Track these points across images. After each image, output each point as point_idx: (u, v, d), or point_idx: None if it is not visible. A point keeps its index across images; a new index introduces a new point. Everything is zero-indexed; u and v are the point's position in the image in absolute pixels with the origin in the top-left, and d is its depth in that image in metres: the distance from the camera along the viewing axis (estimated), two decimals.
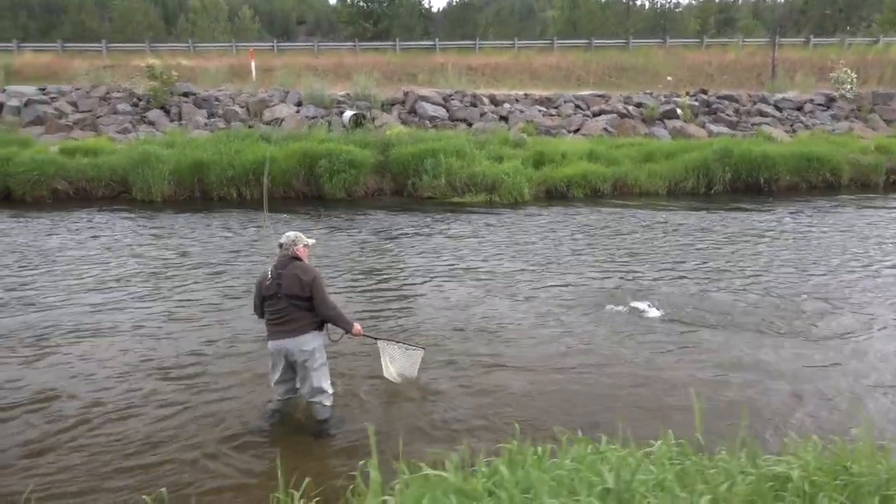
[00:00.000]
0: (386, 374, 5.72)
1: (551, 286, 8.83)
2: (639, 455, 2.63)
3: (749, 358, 6.52)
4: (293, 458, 4.70)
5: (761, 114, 22.43)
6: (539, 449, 2.74)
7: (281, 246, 5.23)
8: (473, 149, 16.23)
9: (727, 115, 22.17)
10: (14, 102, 20.91)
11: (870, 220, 13.11)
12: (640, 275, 9.37)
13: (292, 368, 5.20)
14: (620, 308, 7.89)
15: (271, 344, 5.14)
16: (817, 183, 16.84)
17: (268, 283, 5.08)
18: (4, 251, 10.79)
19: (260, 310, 5.26)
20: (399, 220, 13.21)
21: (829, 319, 7.62)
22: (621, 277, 9.27)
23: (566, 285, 8.88)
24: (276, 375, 5.22)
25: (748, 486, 2.13)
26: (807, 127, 21.68)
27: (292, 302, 5.02)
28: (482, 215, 13.59)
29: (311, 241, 5.40)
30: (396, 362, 5.75)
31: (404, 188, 15.86)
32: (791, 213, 13.87)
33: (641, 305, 7.88)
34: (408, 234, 12.10)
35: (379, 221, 13.20)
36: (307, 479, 3.00)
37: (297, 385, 5.28)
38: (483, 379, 6.07)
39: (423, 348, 5.96)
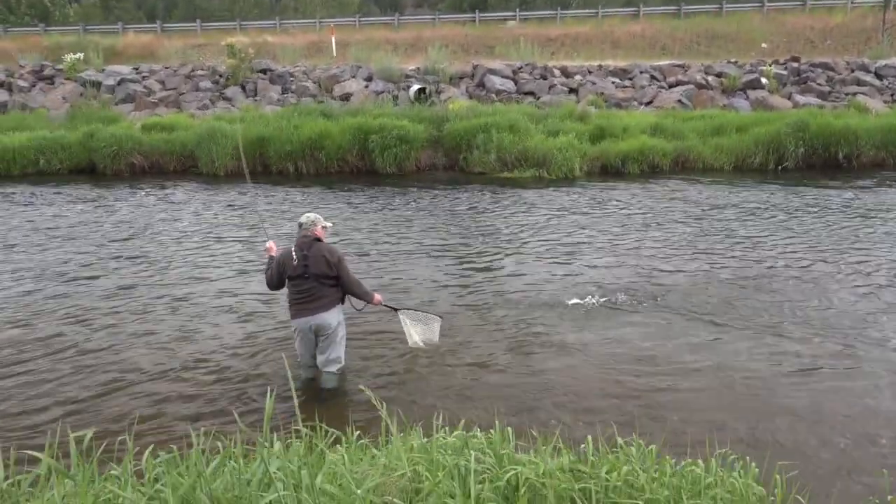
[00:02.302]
0: (410, 343, 5.93)
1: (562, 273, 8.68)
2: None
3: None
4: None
5: (858, 83, 20.64)
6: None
7: (300, 226, 5.52)
8: (528, 123, 15.96)
9: (818, 84, 20.55)
10: (110, 81, 22.48)
11: None
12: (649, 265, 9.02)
13: (316, 341, 5.49)
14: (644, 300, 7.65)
15: (300, 321, 5.39)
16: None
17: (294, 263, 5.32)
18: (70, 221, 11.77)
19: (276, 285, 5.53)
20: (433, 195, 13.24)
21: None
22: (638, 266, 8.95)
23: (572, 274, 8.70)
24: (307, 347, 5.50)
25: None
26: None
27: (321, 280, 5.32)
28: (522, 191, 13.39)
29: (329, 224, 5.72)
30: (417, 330, 5.96)
31: (457, 163, 15.88)
32: (868, 191, 12.81)
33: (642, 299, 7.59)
34: (427, 208, 12.14)
35: (411, 196, 13.24)
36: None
37: (317, 354, 5.56)
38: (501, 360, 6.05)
39: (441, 317, 6.14)
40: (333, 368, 5.48)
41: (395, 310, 5.97)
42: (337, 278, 5.35)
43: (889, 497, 3.41)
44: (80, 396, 5.43)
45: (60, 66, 23.96)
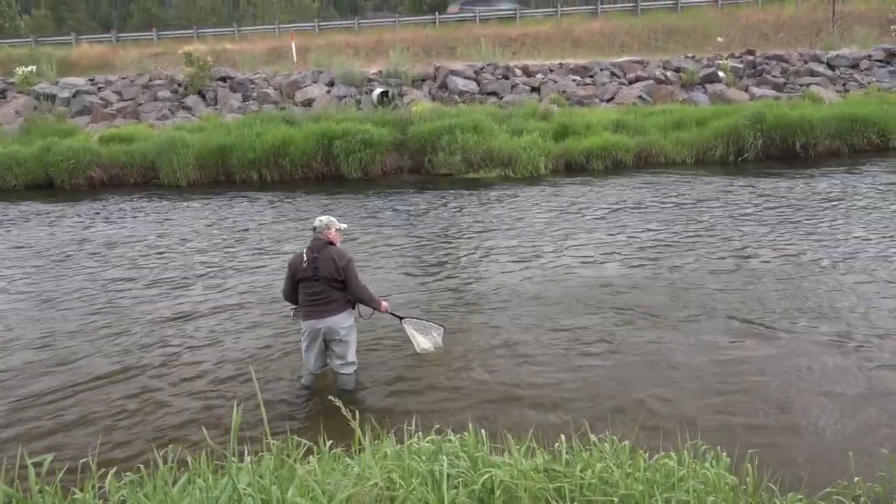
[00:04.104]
0: (418, 350, 5.89)
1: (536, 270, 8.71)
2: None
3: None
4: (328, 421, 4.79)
5: (812, 73, 21.12)
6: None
7: (314, 230, 5.47)
8: (492, 123, 16.01)
9: (773, 76, 20.98)
10: (65, 94, 21.95)
11: None
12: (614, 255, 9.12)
13: (325, 344, 5.45)
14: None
15: (309, 323, 5.37)
16: (862, 146, 15.85)
17: (304, 266, 5.30)
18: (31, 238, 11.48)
19: (291, 294, 5.49)
20: (400, 198, 13.20)
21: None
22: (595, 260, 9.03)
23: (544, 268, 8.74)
24: (314, 352, 5.45)
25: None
26: (861, 85, 20.32)
27: (330, 284, 5.30)
28: (489, 191, 13.42)
29: (343, 226, 5.62)
30: (423, 337, 5.93)
31: (422, 165, 15.85)
32: (823, 180, 13.10)
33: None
34: (395, 212, 12.10)
35: (378, 200, 13.18)
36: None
37: (328, 359, 5.55)
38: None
39: (443, 326, 6.13)
40: (349, 370, 5.50)
41: (401, 318, 5.94)
42: (345, 282, 5.33)
43: (856, 479, 3.48)
44: (40, 419, 5.28)
45: (12, 80, 23.36)
